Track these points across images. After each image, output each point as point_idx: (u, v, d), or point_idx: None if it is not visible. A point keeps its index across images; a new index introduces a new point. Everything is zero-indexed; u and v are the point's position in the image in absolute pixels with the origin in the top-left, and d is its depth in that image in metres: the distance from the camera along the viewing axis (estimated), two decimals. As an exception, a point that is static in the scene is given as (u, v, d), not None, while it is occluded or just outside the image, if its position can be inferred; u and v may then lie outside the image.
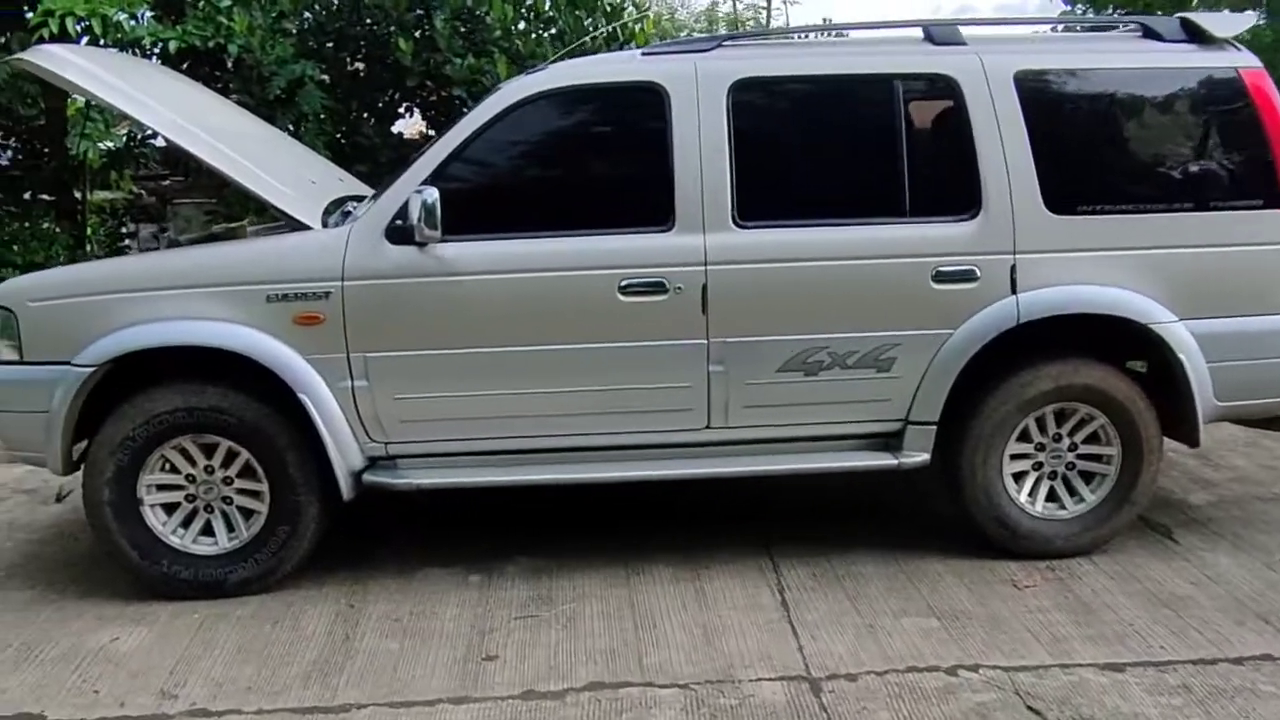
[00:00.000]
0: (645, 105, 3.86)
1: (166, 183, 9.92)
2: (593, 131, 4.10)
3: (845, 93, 3.99)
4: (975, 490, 3.97)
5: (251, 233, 5.12)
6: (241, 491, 3.93)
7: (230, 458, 3.89)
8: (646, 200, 3.87)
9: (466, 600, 3.95)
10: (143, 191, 9.59)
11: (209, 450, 3.89)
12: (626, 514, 4.77)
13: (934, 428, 3.94)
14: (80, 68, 3.97)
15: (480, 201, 3.88)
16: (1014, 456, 4.01)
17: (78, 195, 8.66)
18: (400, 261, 3.76)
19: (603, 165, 4.08)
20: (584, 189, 4.03)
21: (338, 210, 4.22)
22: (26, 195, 8.69)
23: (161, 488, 3.91)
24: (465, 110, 4.33)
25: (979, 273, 3.85)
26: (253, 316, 3.74)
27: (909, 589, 3.90)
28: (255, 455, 3.85)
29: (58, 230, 8.21)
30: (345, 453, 3.84)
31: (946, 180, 3.96)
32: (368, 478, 3.92)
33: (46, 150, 9.06)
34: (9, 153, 9.31)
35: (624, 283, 3.82)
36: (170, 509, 3.93)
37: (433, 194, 3.60)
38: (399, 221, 3.74)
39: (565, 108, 3.95)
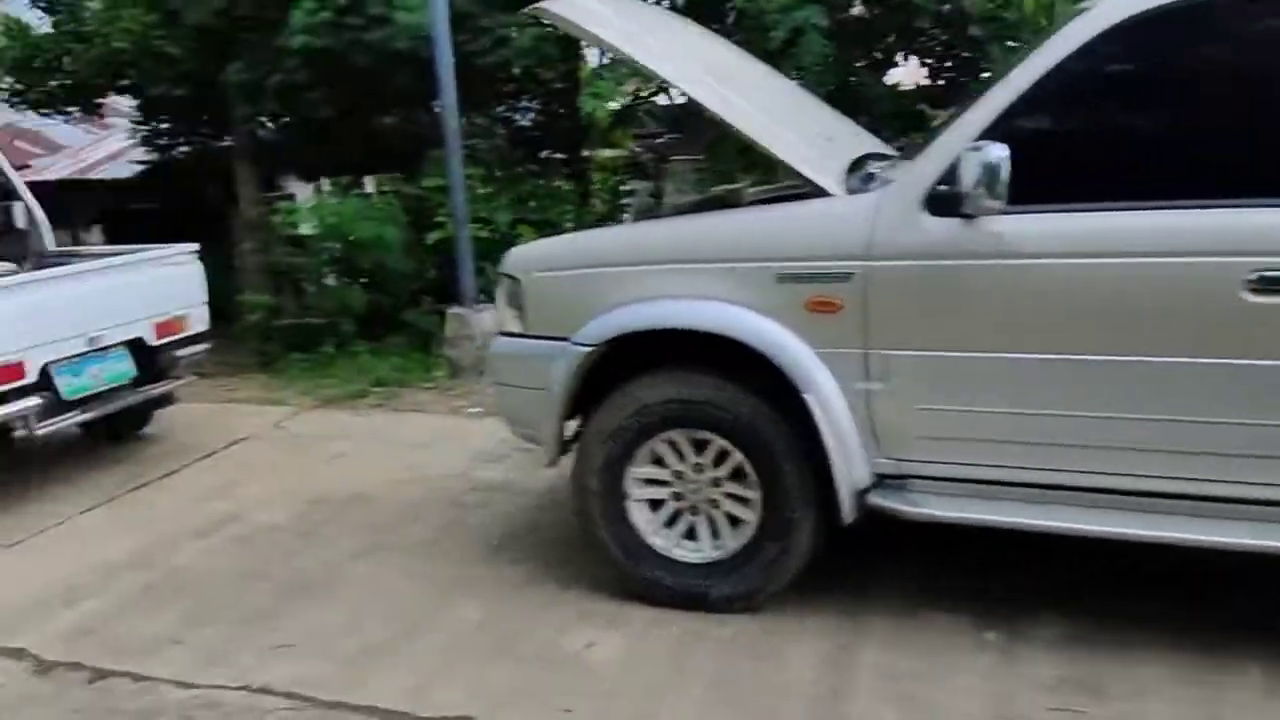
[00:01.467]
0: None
1: (661, 140, 10.01)
2: (1237, 64, 2.92)
3: None
4: None
5: (751, 196, 4.63)
6: (730, 497, 3.43)
7: (721, 457, 3.40)
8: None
9: (981, 668, 3.12)
10: (640, 149, 9.74)
11: (700, 446, 3.43)
12: (1201, 575, 3.58)
13: None
14: (599, 16, 3.64)
15: (1055, 162, 2.94)
16: None
17: (585, 154, 8.96)
18: (940, 237, 2.95)
19: (1245, 111, 2.89)
20: (1207, 144, 2.89)
21: (859, 172, 3.50)
22: (542, 154, 9.14)
23: (648, 482, 3.53)
24: (984, 51, 3.34)
25: None
26: (759, 299, 3.17)
27: None
28: (748, 458, 3.31)
29: (568, 188, 8.52)
30: (851, 467, 3.16)
31: None
32: (874, 499, 3.20)
33: (561, 110, 9.49)
34: (530, 114, 9.92)
35: (1256, 274, 2.68)
36: (655, 506, 3.54)
37: (999, 152, 2.73)
38: (943, 187, 2.93)
39: (1192, 30, 2.84)
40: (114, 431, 5.90)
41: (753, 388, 3.27)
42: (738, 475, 3.39)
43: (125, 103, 11.27)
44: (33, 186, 6.67)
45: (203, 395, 6.98)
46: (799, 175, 3.25)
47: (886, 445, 3.15)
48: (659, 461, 3.51)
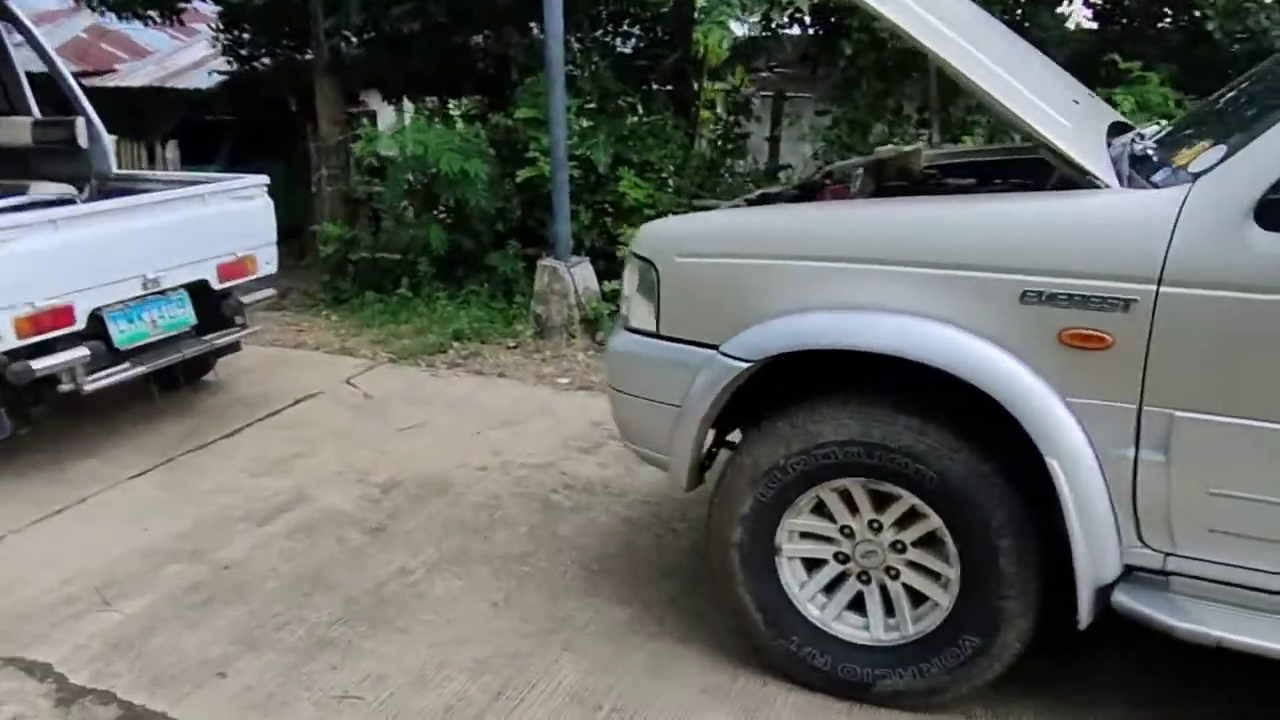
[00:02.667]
0: None
1: (768, 73, 9.01)
2: None
3: None
4: None
5: (928, 160, 3.77)
6: (915, 567, 2.67)
7: (909, 518, 2.63)
8: None
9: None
10: (756, 86, 8.79)
11: (880, 500, 2.66)
12: None
13: None
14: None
15: None
16: None
17: (695, 87, 8.08)
18: (1277, 263, 2.10)
19: None
20: None
21: (1120, 150, 2.64)
22: (645, 87, 8.26)
23: (808, 537, 2.78)
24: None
25: None
26: (991, 322, 2.36)
27: None
28: (949, 526, 2.54)
29: (674, 126, 7.65)
30: (1098, 556, 2.38)
31: None
32: (1121, 599, 2.41)
33: (668, 37, 8.57)
34: (633, 40, 9.00)
35: None
36: (813, 566, 2.80)
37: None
38: (1283, 194, 2.08)
39: None
40: (172, 379, 5.31)
41: (966, 436, 2.48)
42: (930, 542, 2.62)
43: (208, 9, 10.61)
44: (116, 92, 6.04)
45: (269, 334, 6.40)
46: (1062, 158, 2.39)
47: (1151, 532, 2.35)
48: (824, 513, 2.76)
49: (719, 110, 8.43)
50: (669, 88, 8.09)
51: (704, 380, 2.78)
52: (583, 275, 6.26)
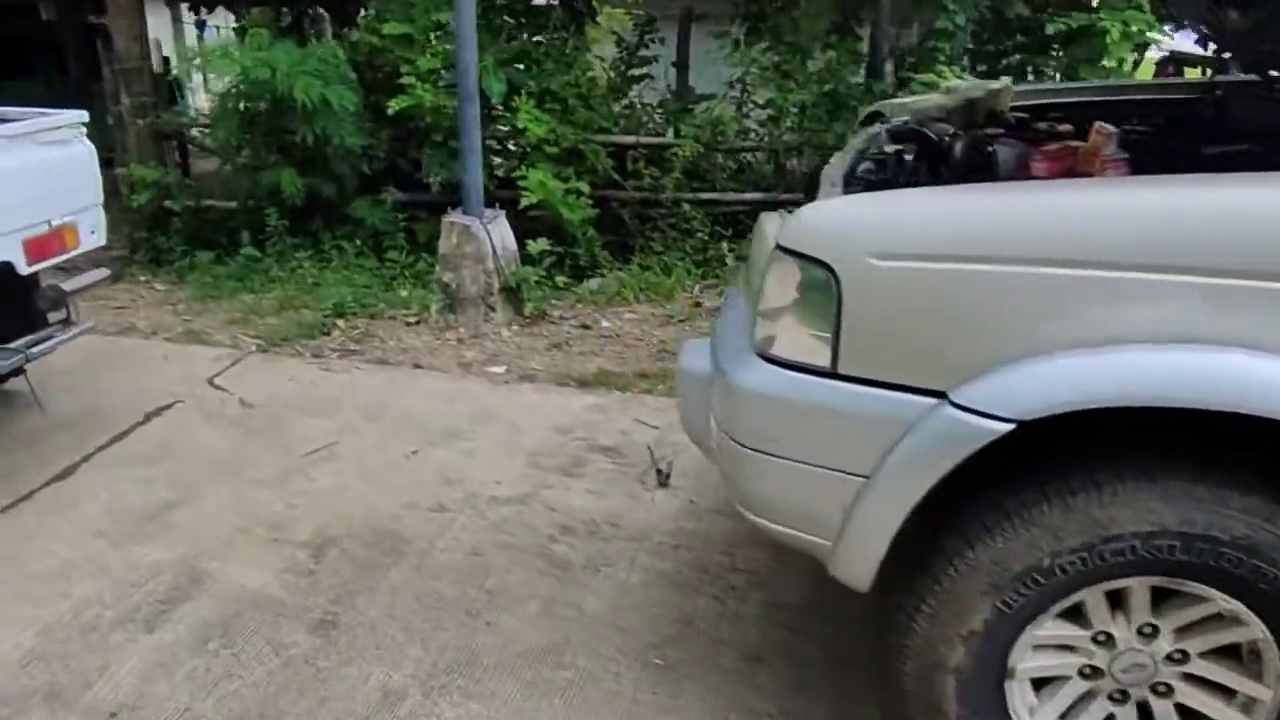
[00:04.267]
0: None
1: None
2: None
3: None
4: None
5: (1011, 101, 2.96)
6: (1198, 682, 1.89)
7: (1204, 622, 1.84)
8: None
9: None
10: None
11: (1162, 598, 1.85)
12: None
13: None
14: None
15: None
16: None
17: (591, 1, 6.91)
18: None
19: None
20: None
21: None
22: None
23: (1046, 648, 1.95)
24: None
25: None
26: None
27: None
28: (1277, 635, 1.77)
29: (575, 48, 6.47)
30: None
31: None
32: None
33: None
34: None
35: None
36: (1042, 684, 1.98)
37: None
38: None
39: None
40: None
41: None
42: (1225, 653, 1.85)
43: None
44: None
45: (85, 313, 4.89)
46: None
47: None
48: (1077, 617, 1.92)
49: (612, 28, 7.29)
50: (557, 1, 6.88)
51: (921, 442, 1.85)
52: (500, 233, 5.11)
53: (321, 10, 7.76)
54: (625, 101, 6.87)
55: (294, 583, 2.97)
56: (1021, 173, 2.25)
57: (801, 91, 6.01)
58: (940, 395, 1.84)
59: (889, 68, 5.86)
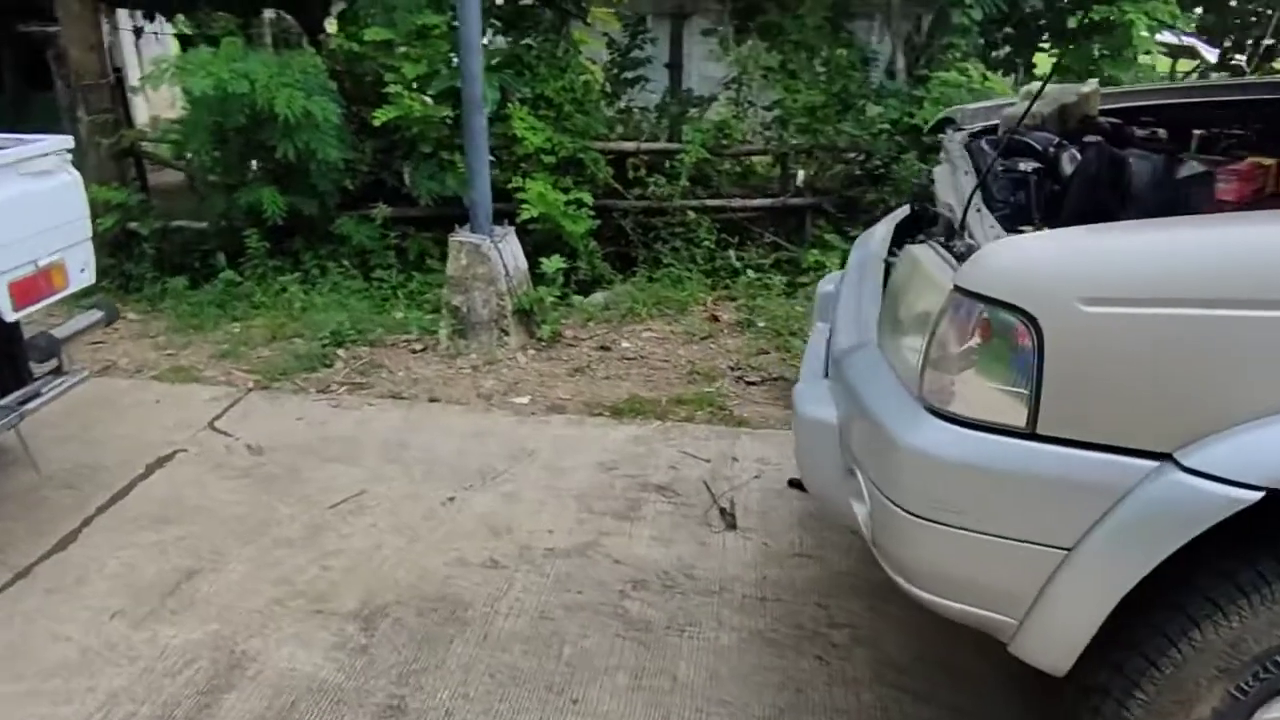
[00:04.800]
0: None
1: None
2: None
3: None
4: None
5: (1098, 102, 2.75)
6: None
7: None
8: None
9: None
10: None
11: None
12: None
13: None
14: None
15: None
16: None
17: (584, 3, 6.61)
18: None
19: None
20: None
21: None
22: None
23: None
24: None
25: None
26: None
27: None
28: None
29: (566, 51, 6.16)
30: None
31: None
32: None
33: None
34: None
35: None
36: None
37: None
38: None
39: None
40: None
41: None
42: None
43: None
44: None
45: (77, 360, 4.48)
46: None
47: None
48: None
49: (602, 29, 6.99)
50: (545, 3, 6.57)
51: (1143, 513, 1.63)
52: (511, 252, 4.80)
53: (286, 15, 7.35)
54: (620, 106, 6.58)
55: (348, 663, 2.66)
56: (1207, 195, 2.02)
57: (811, 92, 5.77)
58: (1163, 458, 1.61)
59: (902, 65, 5.65)
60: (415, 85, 5.73)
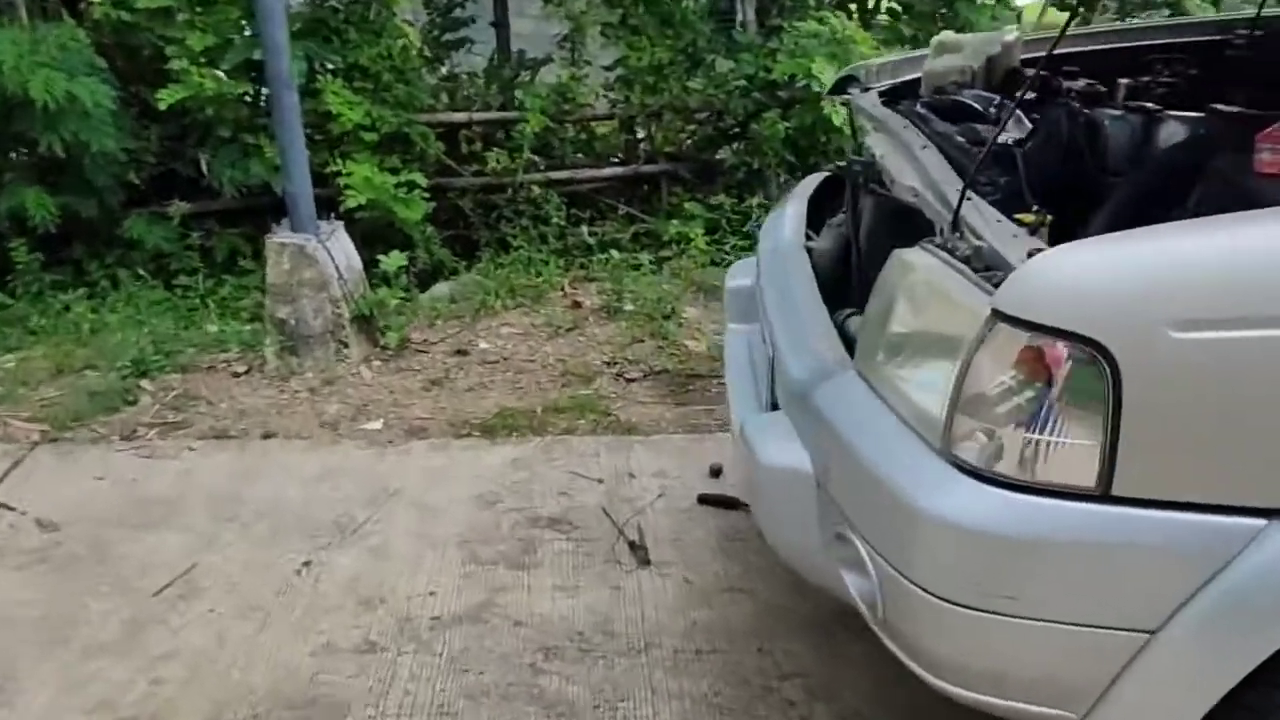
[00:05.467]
0: None
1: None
2: None
3: None
4: None
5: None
6: None
7: None
8: None
9: None
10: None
11: None
12: None
13: None
14: None
15: None
16: None
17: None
18: None
19: None
20: None
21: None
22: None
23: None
24: None
25: None
26: None
27: None
28: None
29: (379, 12, 5.44)
30: None
31: None
32: None
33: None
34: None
35: None
36: None
37: None
38: None
39: None
40: None
41: None
42: None
43: None
44: None
45: None
46: None
47: None
48: None
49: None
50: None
51: (1254, 584, 1.28)
52: (342, 251, 4.15)
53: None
54: (444, 72, 5.94)
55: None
56: (1242, 169, 1.69)
57: (656, 48, 5.33)
58: (1275, 515, 1.27)
59: (751, 17, 5.28)
60: (204, 59, 4.92)
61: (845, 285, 2.45)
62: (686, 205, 5.45)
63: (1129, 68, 2.56)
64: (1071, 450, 1.33)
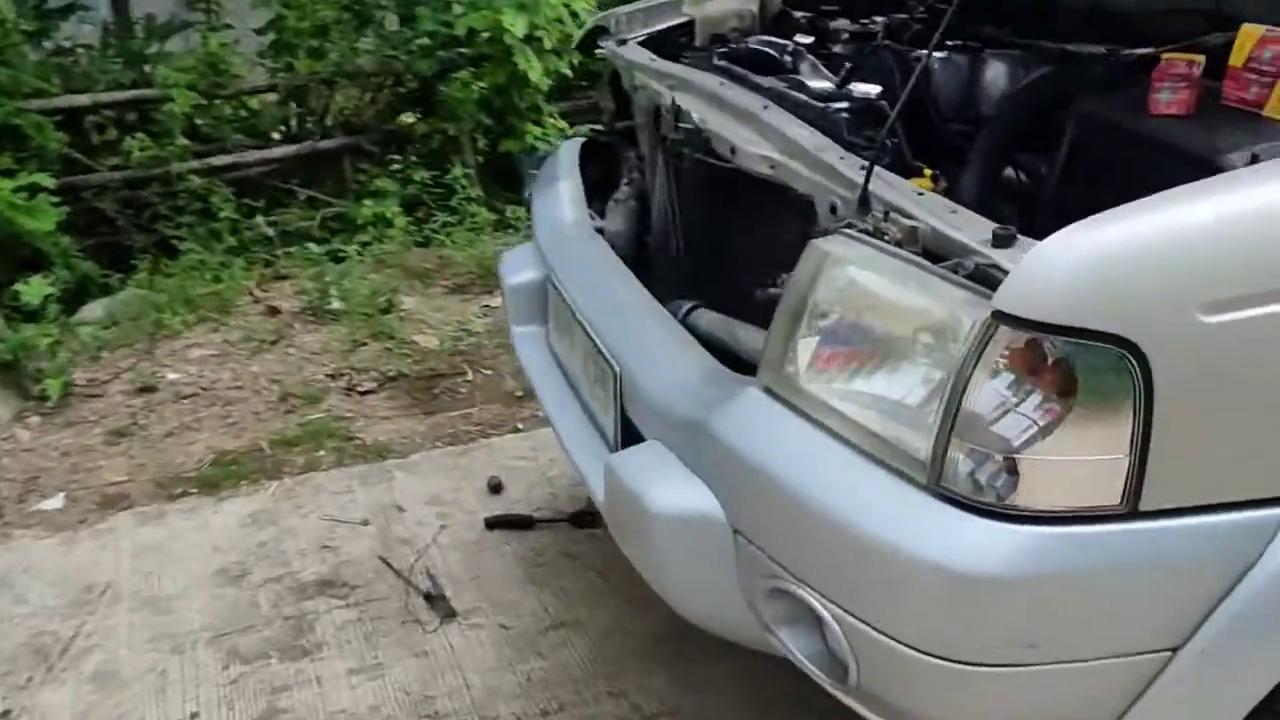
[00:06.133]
0: None
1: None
2: None
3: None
4: None
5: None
6: None
7: None
8: None
9: None
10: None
11: None
12: None
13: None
14: None
15: None
16: None
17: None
18: None
19: None
20: None
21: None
22: None
23: None
24: None
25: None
26: None
27: None
28: None
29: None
30: None
31: None
32: None
33: None
34: None
35: None
36: None
37: None
38: None
39: None
40: None
41: None
42: None
43: None
44: None
45: None
46: None
47: None
48: None
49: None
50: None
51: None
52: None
53: None
54: (50, 47, 4.86)
55: None
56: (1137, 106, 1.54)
57: (319, 6, 4.67)
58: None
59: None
60: None
61: (647, 273, 2.15)
62: (377, 182, 4.88)
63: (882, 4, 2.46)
64: (1096, 467, 1.13)
